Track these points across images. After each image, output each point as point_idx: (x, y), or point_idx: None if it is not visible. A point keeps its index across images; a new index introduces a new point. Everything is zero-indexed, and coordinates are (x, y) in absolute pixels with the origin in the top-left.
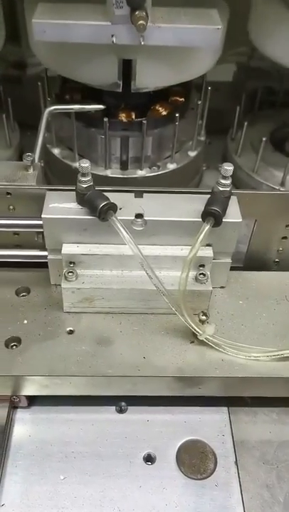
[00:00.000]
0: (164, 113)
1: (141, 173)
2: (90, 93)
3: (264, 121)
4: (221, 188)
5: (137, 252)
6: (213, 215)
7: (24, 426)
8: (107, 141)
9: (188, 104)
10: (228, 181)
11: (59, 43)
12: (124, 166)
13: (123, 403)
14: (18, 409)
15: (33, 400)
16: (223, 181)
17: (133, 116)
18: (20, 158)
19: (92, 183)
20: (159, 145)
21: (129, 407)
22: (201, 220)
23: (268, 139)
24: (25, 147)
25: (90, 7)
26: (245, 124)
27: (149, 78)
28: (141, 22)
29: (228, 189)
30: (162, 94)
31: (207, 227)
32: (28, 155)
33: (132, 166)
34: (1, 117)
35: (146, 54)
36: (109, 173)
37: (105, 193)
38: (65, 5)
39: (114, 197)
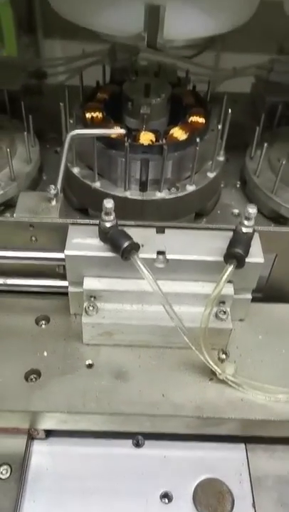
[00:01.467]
0: (184, 137)
1: (160, 195)
2: (110, 112)
3: (283, 139)
4: (244, 230)
5: (158, 290)
6: (236, 257)
7: (42, 458)
8: (127, 164)
9: (208, 126)
10: (252, 223)
11: None
12: (143, 187)
13: (140, 437)
14: (36, 441)
15: (50, 432)
16: (246, 222)
17: (153, 139)
18: (40, 173)
19: (115, 222)
20: (178, 167)
21: (146, 441)
22: (223, 260)
23: (287, 160)
24: (44, 161)
25: None
26: (265, 145)
27: (178, 27)
28: None
29: (251, 230)
30: (183, 116)
31: (230, 269)
32: (52, 187)
33: (151, 188)
34: (22, 131)
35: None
36: (128, 194)
37: (127, 228)
38: None
39: (135, 232)
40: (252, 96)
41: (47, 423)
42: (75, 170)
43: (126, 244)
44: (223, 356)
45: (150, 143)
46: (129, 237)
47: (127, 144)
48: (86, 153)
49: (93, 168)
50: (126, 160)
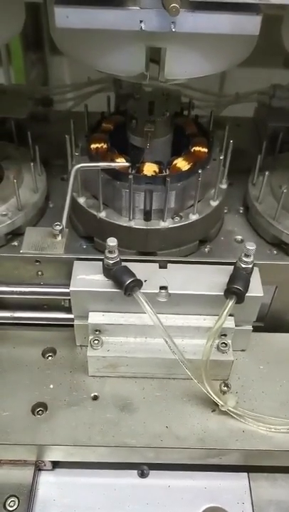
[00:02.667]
0: (187, 167)
1: (164, 224)
2: (116, 142)
3: (285, 165)
4: (243, 265)
5: (159, 324)
6: (235, 293)
7: (49, 489)
8: (131, 194)
9: (210, 155)
10: (251, 259)
11: (82, 29)
12: (147, 217)
13: (145, 467)
14: (43, 472)
15: (57, 463)
16: (245, 259)
17: (157, 170)
18: (47, 201)
19: (118, 259)
20: (181, 197)
21: (151, 471)
22: (223, 294)
23: None
24: (50, 188)
25: None
26: (266, 173)
27: (178, 67)
28: (174, 5)
29: (250, 266)
30: (185, 145)
31: (230, 304)
32: (57, 224)
33: (155, 217)
34: (28, 160)
35: (177, 43)
36: (133, 224)
37: (130, 263)
38: None
39: (138, 267)
40: (254, 121)
41: (53, 455)
42: (81, 200)
43: (129, 281)
44: (225, 388)
45: (153, 174)
46: (132, 274)
47: (131, 176)
48: (91, 183)
49: (98, 199)
50: (130, 191)
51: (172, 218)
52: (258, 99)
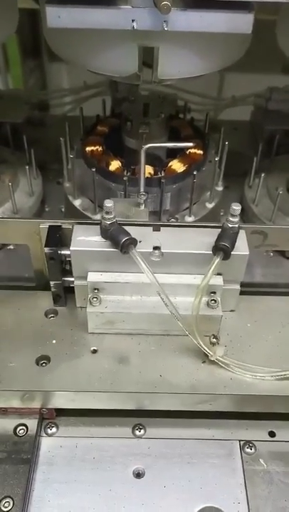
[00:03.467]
0: (183, 169)
1: None
2: (110, 147)
3: (281, 168)
4: (230, 225)
5: (155, 281)
6: (222, 249)
7: (44, 490)
8: (126, 197)
9: (206, 157)
10: (237, 219)
11: (74, 29)
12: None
13: (141, 467)
14: (38, 472)
15: (51, 463)
16: (231, 219)
17: (152, 172)
18: (43, 206)
19: (115, 220)
20: (177, 199)
21: (146, 471)
22: (211, 252)
23: (285, 189)
24: (46, 192)
25: None
26: (262, 175)
27: (172, 67)
28: (165, 3)
29: (236, 226)
30: (180, 148)
31: (217, 260)
32: (142, 194)
33: (150, 219)
34: (24, 164)
35: (170, 42)
36: None
37: (127, 227)
38: None
39: (134, 230)
40: (251, 124)
41: (57, 402)
42: (77, 202)
43: (125, 239)
44: (214, 340)
45: (148, 176)
46: (127, 233)
47: (125, 178)
48: (86, 186)
49: (94, 201)
50: (125, 193)
51: (168, 220)
52: (254, 102)
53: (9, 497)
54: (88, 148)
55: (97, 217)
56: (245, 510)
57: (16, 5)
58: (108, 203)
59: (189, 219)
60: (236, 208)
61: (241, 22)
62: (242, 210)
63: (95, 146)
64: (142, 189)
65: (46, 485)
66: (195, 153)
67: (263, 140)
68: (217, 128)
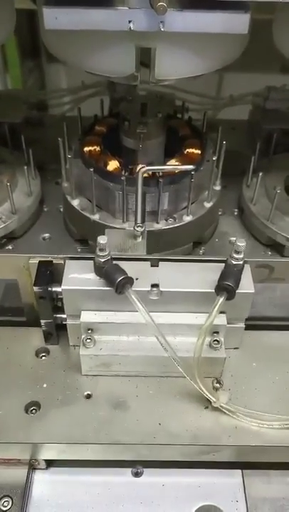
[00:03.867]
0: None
1: (157, 226)
2: (108, 146)
3: (279, 167)
4: (234, 262)
5: (151, 323)
6: (226, 289)
7: (42, 489)
8: (124, 197)
9: (203, 157)
10: (241, 255)
11: (71, 30)
12: (141, 219)
13: (139, 466)
14: (37, 471)
15: (51, 462)
16: (236, 256)
17: (150, 172)
18: (41, 206)
19: (109, 257)
20: (175, 198)
21: (145, 470)
22: (214, 291)
23: (283, 188)
24: (45, 192)
25: None
26: (260, 174)
27: (169, 67)
28: (161, 3)
29: (241, 263)
30: (178, 147)
31: (221, 300)
32: (139, 225)
33: (148, 219)
34: (23, 164)
35: (167, 42)
36: (126, 226)
37: (122, 262)
38: None
39: (130, 266)
40: (249, 123)
41: (47, 453)
42: (75, 202)
43: (120, 278)
44: (218, 385)
45: (146, 176)
46: (123, 272)
47: (123, 178)
48: (85, 186)
49: (92, 201)
50: (123, 193)
51: (166, 220)
52: (252, 101)
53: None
54: (86, 148)
55: (96, 217)
56: (244, 508)
57: (13, 6)
58: (102, 240)
59: (187, 218)
60: (241, 244)
61: (237, 22)
62: (240, 209)
63: (93, 146)
64: (138, 220)
65: (45, 484)
66: (193, 152)
67: (260, 139)
68: (215, 127)
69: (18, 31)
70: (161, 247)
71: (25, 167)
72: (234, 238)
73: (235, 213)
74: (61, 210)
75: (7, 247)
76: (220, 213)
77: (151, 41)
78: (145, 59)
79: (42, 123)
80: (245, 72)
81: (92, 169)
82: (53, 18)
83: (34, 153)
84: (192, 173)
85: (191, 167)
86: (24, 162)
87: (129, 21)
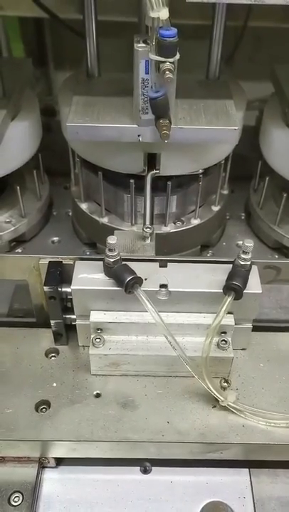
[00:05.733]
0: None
1: (165, 229)
2: None
3: None
4: (241, 262)
5: (160, 322)
6: (234, 289)
7: (52, 485)
8: (133, 200)
9: None
10: (249, 256)
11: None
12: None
13: (147, 464)
14: (47, 469)
15: (61, 460)
16: (243, 256)
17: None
18: (50, 210)
19: (119, 257)
20: (183, 202)
21: (153, 468)
22: (222, 291)
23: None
24: (54, 196)
25: (118, 108)
26: (267, 179)
27: (172, 167)
28: (164, 132)
29: (248, 263)
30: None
31: (228, 300)
32: (148, 227)
33: (156, 221)
34: (32, 169)
35: (170, 149)
36: (135, 229)
37: (131, 263)
38: (96, 106)
39: (139, 266)
40: (256, 129)
41: (57, 451)
42: (84, 206)
43: (129, 278)
44: (225, 384)
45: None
46: (132, 272)
47: (132, 181)
48: (94, 189)
49: (100, 204)
50: (132, 197)
51: (174, 223)
52: (259, 107)
53: (19, 492)
54: None
55: (104, 220)
56: (251, 505)
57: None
58: (111, 240)
59: (195, 221)
60: (249, 245)
61: (229, 135)
62: (247, 213)
63: None
64: (147, 222)
65: (55, 480)
66: None
67: None
68: None
69: (26, 39)
70: (169, 250)
71: (35, 171)
72: (241, 242)
73: (242, 217)
74: (70, 214)
75: (17, 250)
76: (227, 217)
77: (156, 149)
78: (152, 161)
79: (50, 128)
80: (251, 78)
81: (100, 172)
82: (75, 133)
83: (43, 158)
84: (200, 176)
85: (200, 171)
86: (33, 166)
87: (139, 135)
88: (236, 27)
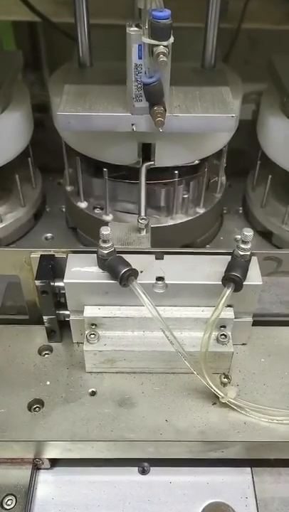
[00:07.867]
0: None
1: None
2: None
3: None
4: (241, 253)
5: (158, 316)
6: (233, 280)
7: (47, 488)
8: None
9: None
10: (248, 246)
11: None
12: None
13: (146, 464)
14: (41, 471)
15: (55, 461)
16: (243, 246)
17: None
18: (43, 205)
19: (113, 249)
20: (186, 192)
21: (151, 468)
22: (221, 283)
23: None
24: (47, 192)
25: (111, 97)
26: (268, 182)
27: (167, 158)
28: (159, 119)
29: (248, 253)
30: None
31: (228, 292)
32: (143, 218)
33: (161, 213)
34: (25, 165)
35: (165, 139)
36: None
37: (126, 255)
38: (88, 95)
39: (135, 259)
40: (253, 123)
41: (51, 452)
42: (82, 205)
43: (124, 270)
44: (226, 380)
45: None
46: (127, 264)
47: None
48: (92, 188)
49: (104, 204)
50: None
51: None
52: (256, 100)
53: (12, 495)
54: None
55: (109, 218)
56: (254, 505)
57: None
58: (105, 231)
59: (200, 211)
60: (248, 234)
61: (225, 124)
62: (245, 208)
63: None
64: (142, 213)
65: (49, 482)
66: None
67: None
68: None
69: (20, 43)
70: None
71: (30, 163)
72: (239, 236)
73: (240, 211)
74: (63, 210)
75: (10, 246)
76: (225, 211)
77: (151, 139)
78: (146, 152)
79: (43, 125)
80: (248, 72)
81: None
82: (66, 122)
83: (36, 155)
84: (206, 169)
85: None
86: (27, 163)
87: (132, 124)
88: (231, 29)
